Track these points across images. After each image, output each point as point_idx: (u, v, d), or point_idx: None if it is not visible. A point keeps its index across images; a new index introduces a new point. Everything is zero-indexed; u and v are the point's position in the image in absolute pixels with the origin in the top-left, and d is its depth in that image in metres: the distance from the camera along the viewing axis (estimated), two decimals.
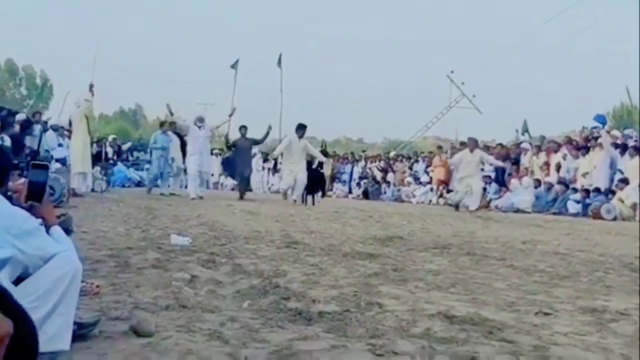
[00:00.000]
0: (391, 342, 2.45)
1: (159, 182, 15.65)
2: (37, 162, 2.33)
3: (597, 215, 13.30)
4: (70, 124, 13.83)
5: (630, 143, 15.27)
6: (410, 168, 22.74)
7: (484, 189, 15.55)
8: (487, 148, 17.61)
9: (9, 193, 2.31)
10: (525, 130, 21.50)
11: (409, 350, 2.36)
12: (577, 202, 14.60)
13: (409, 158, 24.28)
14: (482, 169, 14.66)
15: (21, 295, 1.93)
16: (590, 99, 40.28)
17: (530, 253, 5.75)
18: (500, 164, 15.79)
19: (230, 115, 15.61)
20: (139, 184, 21.36)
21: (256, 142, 15.72)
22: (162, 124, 16.37)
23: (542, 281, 4.15)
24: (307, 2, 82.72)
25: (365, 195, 22.30)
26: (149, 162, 17.75)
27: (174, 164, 15.65)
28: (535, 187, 16.06)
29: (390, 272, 4.23)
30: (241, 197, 14.63)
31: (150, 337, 2.39)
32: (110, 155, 20.78)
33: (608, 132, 16.25)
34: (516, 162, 17.68)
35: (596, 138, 16.03)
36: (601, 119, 17.95)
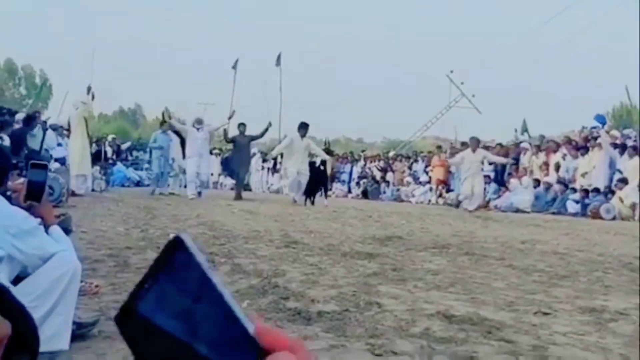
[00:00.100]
0: (390, 342, 2.45)
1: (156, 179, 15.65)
2: (36, 161, 2.33)
3: (596, 215, 13.31)
4: (69, 124, 13.83)
5: (629, 143, 15.28)
6: (410, 168, 22.75)
7: (483, 189, 15.56)
8: (486, 148, 17.60)
9: (8, 193, 2.31)
10: (525, 130, 21.51)
11: (408, 350, 2.36)
12: (577, 201, 14.61)
13: (408, 158, 24.29)
14: (482, 169, 14.66)
15: (20, 294, 1.93)
16: (590, 98, 40.28)
17: (529, 253, 5.75)
18: (503, 160, 15.84)
19: (230, 117, 15.59)
20: (138, 183, 21.36)
21: (254, 138, 15.66)
22: (162, 124, 16.35)
23: (541, 281, 4.15)
24: (307, 2, 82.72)
25: (365, 194, 22.31)
26: (149, 161, 17.75)
27: (174, 163, 15.65)
28: (535, 187, 16.07)
29: (389, 271, 4.23)
30: (239, 197, 14.57)
31: None
32: (109, 154, 20.78)
33: (607, 132, 16.26)
34: (515, 162, 17.69)
35: (595, 138, 16.04)
36: (601, 119, 17.96)
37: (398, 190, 21.53)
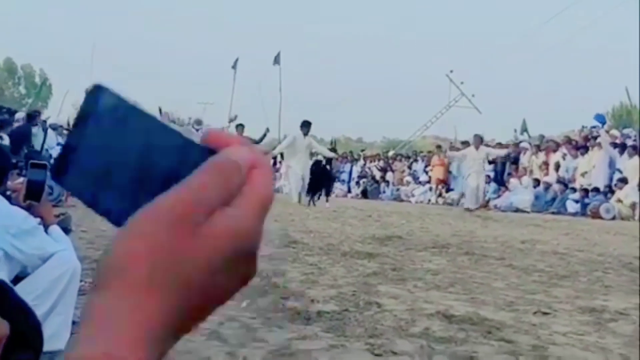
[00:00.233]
0: (390, 342, 2.45)
1: None
2: (36, 161, 2.33)
3: (596, 215, 13.31)
4: (68, 124, 13.83)
5: (629, 142, 15.29)
6: (409, 167, 22.76)
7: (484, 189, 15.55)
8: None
9: (8, 192, 2.31)
10: (524, 129, 21.52)
11: (408, 350, 2.36)
12: (576, 201, 14.61)
13: (408, 157, 24.30)
14: (484, 168, 14.64)
15: (20, 294, 1.93)
16: (590, 98, 40.23)
17: (529, 253, 5.75)
18: (504, 152, 15.87)
19: (231, 121, 15.56)
20: None
21: (253, 143, 15.66)
22: None
23: (541, 281, 4.15)
24: (307, 2, 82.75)
25: (364, 194, 22.32)
26: None
27: None
28: (534, 187, 16.08)
29: (389, 271, 4.23)
30: None
31: None
32: None
33: (607, 131, 16.27)
34: (515, 161, 17.69)
35: (595, 137, 16.05)
36: (600, 119, 17.98)
37: (398, 189, 21.55)
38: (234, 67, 28.90)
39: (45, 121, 14.96)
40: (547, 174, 16.47)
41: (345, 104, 71.68)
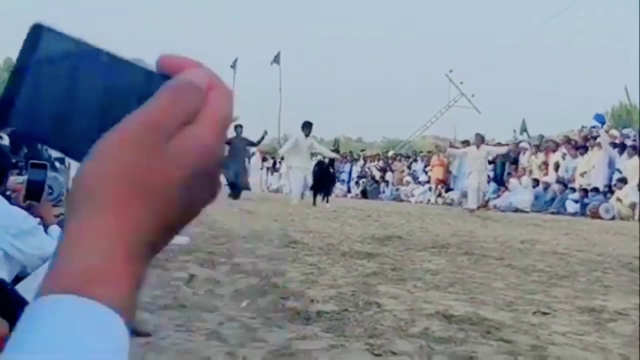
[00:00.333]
0: (389, 342, 2.45)
1: None
2: (36, 161, 2.33)
3: (595, 215, 13.32)
4: None
5: (629, 142, 15.29)
6: (409, 167, 22.77)
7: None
8: None
9: (8, 192, 2.31)
10: (524, 129, 21.53)
11: (407, 350, 2.36)
12: (576, 201, 14.63)
13: (408, 157, 24.31)
14: (486, 167, 14.61)
15: (20, 294, 1.93)
16: (589, 98, 40.30)
17: (528, 253, 5.75)
18: (504, 149, 15.88)
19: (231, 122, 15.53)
20: None
21: (251, 144, 15.54)
22: None
23: (540, 281, 4.15)
24: (307, 2, 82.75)
25: (364, 194, 22.33)
26: None
27: None
28: (534, 187, 16.08)
29: (388, 271, 4.23)
30: (236, 197, 14.46)
31: (148, 336, 2.39)
32: None
33: (606, 131, 16.28)
34: (515, 161, 17.70)
35: (595, 137, 16.05)
36: (600, 119, 17.98)
37: (397, 189, 21.56)
38: (232, 66, 28.89)
39: None
40: (546, 174, 16.48)
41: (345, 104, 71.73)
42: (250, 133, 15.64)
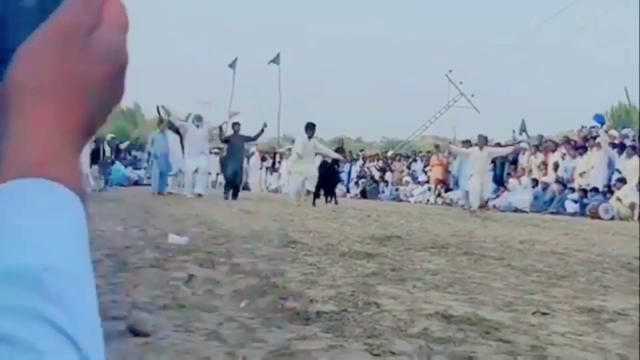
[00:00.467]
0: (389, 342, 2.45)
1: (157, 181, 15.56)
2: None
3: (595, 215, 13.33)
4: None
5: (628, 142, 15.30)
6: (409, 167, 22.78)
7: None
8: None
9: None
10: (523, 129, 21.53)
11: (407, 350, 2.36)
12: (575, 201, 14.63)
13: (407, 157, 24.32)
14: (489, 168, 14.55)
15: None
16: (589, 98, 40.35)
17: (528, 253, 5.75)
18: (508, 150, 15.85)
19: (232, 115, 15.47)
20: (136, 182, 21.33)
21: (248, 139, 15.48)
22: (159, 124, 16.28)
23: (539, 281, 4.15)
24: (307, 2, 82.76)
25: (364, 194, 22.34)
26: (148, 160, 17.69)
27: (173, 163, 15.59)
28: (533, 187, 16.09)
29: (388, 271, 4.23)
30: (234, 197, 14.41)
31: (147, 336, 2.39)
32: (108, 154, 20.77)
33: (606, 131, 16.29)
34: (514, 161, 17.71)
35: (594, 137, 16.06)
36: (600, 119, 17.99)
37: (397, 189, 21.56)
38: (231, 66, 28.85)
39: None
40: (545, 174, 16.49)
41: (345, 103, 71.69)
42: (250, 133, 15.61)
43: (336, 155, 14.26)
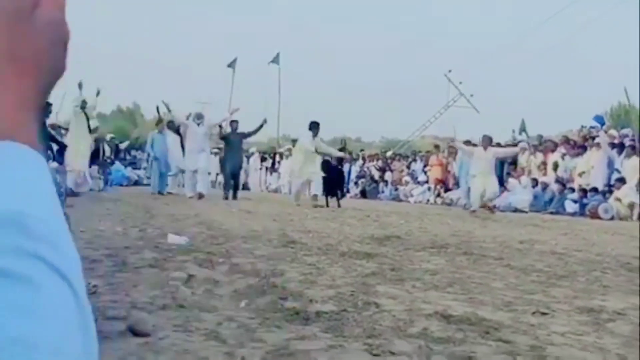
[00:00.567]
0: (388, 342, 2.45)
1: (157, 181, 15.53)
2: None
3: (594, 215, 13.33)
4: (67, 123, 13.86)
5: (627, 142, 15.30)
6: (408, 167, 22.77)
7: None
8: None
9: None
10: (523, 129, 21.51)
11: (406, 350, 2.36)
12: (575, 201, 14.63)
13: (407, 157, 24.31)
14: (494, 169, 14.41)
15: None
16: (588, 98, 40.34)
17: (527, 253, 5.75)
18: (514, 150, 15.78)
19: (232, 113, 15.39)
20: (136, 182, 21.33)
21: (246, 135, 15.35)
22: (157, 123, 16.24)
23: (539, 281, 4.15)
24: (307, 2, 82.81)
25: (363, 194, 22.33)
26: (147, 160, 17.67)
27: (172, 163, 15.56)
28: (533, 187, 16.09)
29: (387, 271, 4.23)
30: (234, 197, 14.35)
31: (147, 336, 2.39)
32: (107, 154, 20.76)
33: (605, 131, 16.29)
34: (514, 161, 17.71)
35: (594, 137, 16.06)
36: (600, 120, 17.99)
37: (396, 189, 21.55)
38: (231, 66, 28.83)
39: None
40: (545, 174, 16.49)
41: (344, 103, 71.71)
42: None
43: (340, 154, 14.17)
